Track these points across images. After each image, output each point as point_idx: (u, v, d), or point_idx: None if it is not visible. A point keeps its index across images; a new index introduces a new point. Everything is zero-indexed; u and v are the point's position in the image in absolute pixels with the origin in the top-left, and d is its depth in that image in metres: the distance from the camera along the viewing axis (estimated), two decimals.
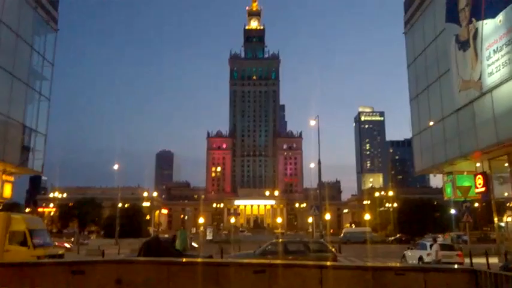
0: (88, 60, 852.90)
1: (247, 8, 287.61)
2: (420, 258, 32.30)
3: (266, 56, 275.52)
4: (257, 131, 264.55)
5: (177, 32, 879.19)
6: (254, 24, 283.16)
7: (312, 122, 53.76)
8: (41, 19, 43.61)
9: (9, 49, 37.50)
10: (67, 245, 57.30)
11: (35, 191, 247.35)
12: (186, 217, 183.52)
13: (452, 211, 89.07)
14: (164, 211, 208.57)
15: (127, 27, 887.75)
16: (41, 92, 44.23)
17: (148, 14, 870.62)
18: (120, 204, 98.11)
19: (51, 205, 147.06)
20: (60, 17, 48.52)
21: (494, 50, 29.00)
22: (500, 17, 28.26)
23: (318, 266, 12.32)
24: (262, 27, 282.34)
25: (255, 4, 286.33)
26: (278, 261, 15.91)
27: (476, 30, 31.34)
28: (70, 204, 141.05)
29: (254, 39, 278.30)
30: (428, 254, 30.92)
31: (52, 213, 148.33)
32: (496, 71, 28.75)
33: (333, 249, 28.82)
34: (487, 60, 29.83)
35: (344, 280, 11.43)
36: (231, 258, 30.43)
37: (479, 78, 30.98)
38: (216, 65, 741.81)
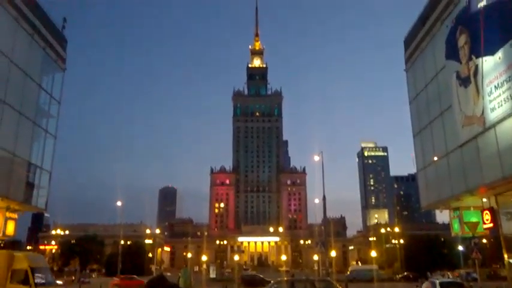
0: (92, 96, 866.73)
1: (250, 47, 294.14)
2: None
3: (269, 92, 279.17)
4: (260, 166, 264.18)
5: (180, 67, 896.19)
6: (257, 62, 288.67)
7: (316, 158, 53.81)
8: (50, 58, 44.67)
9: (18, 88, 38.20)
10: None
11: (37, 228, 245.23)
12: (189, 255, 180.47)
13: (460, 248, 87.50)
14: (167, 248, 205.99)
15: (130, 61, 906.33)
16: (47, 130, 44.67)
17: (148, 49, 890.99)
18: (122, 242, 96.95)
19: (53, 242, 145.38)
20: (70, 53, 49.77)
21: (495, 86, 29.33)
22: (499, 54, 28.76)
23: None
24: (264, 66, 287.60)
25: (257, 44, 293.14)
26: None
27: (477, 67, 31.82)
28: (72, 241, 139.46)
29: (257, 76, 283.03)
30: None
31: (53, 251, 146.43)
32: (498, 107, 28.98)
33: None
34: (489, 96, 30.12)
35: None
36: None
37: (482, 114, 31.17)
38: (219, 101, 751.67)
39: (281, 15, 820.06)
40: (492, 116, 29.82)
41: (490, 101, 29.94)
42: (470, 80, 32.96)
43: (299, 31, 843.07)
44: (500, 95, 28.75)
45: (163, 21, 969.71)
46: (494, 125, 29.82)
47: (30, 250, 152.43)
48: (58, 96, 46.84)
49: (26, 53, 39.53)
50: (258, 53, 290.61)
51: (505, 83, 28.17)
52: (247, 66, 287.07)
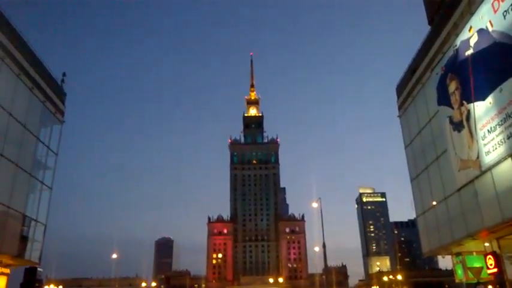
0: (88, 147, 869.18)
1: (246, 97, 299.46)
2: None
3: (265, 140, 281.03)
4: (258, 214, 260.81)
5: (176, 116, 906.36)
6: (253, 111, 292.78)
7: (314, 204, 53.44)
8: (48, 112, 45.27)
9: (16, 140, 38.44)
10: None
11: (30, 283, 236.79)
12: None
13: None
14: None
15: (125, 111, 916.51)
16: (43, 182, 44.47)
17: (144, 99, 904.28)
18: None
19: None
20: (68, 104, 50.48)
21: (488, 130, 29.78)
22: (489, 99, 29.43)
23: None
24: (260, 114, 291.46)
25: (253, 94, 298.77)
26: None
27: (469, 112, 32.46)
28: None
29: (253, 125, 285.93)
30: None
31: None
32: (493, 150, 29.28)
33: None
34: (483, 139, 30.51)
35: None
36: None
37: (477, 158, 31.43)
38: (215, 149, 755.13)
39: (276, 63, 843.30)
40: (487, 159, 30.06)
41: (485, 145, 30.29)
42: (463, 124, 33.51)
43: (294, 78, 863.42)
44: (493, 138, 29.13)
45: (160, 71, 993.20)
46: (490, 168, 29.98)
47: None
48: (55, 148, 47.06)
49: (25, 106, 40.13)
50: (254, 103, 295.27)
51: (497, 127, 28.62)
52: (244, 116, 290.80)
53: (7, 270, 38.95)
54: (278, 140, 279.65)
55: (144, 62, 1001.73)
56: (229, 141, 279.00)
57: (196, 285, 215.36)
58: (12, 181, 37.50)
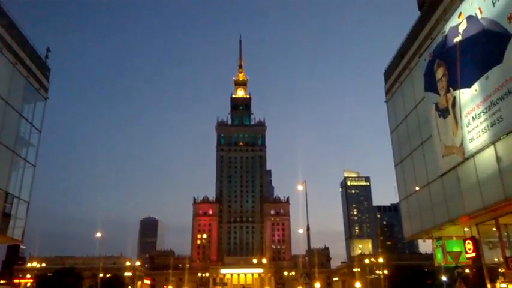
0: (72, 126, 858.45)
1: (233, 78, 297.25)
2: None
3: (252, 123, 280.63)
4: (244, 196, 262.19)
5: (162, 97, 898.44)
6: (240, 93, 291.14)
7: (299, 187, 53.79)
8: (32, 87, 44.25)
9: None
10: None
11: (12, 261, 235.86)
12: None
13: (444, 278, 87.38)
14: (147, 281, 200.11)
15: (112, 91, 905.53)
16: (26, 159, 43.78)
17: (132, 79, 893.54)
18: (101, 274, 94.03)
19: (28, 276, 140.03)
20: (53, 80, 49.44)
21: (473, 117, 30.12)
22: (475, 86, 29.68)
23: None
24: (248, 96, 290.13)
25: (241, 75, 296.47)
26: None
27: (455, 98, 32.73)
28: (48, 274, 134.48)
29: (240, 107, 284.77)
30: None
31: (28, 285, 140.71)
32: (477, 137, 29.67)
33: None
34: (467, 126, 30.87)
35: None
36: None
37: (461, 144, 31.84)
38: (202, 131, 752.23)
39: (265, 45, 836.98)
40: (471, 146, 30.48)
41: (469, 132, 30.66)
42: (448, 111, 33.81)
43: (283, 60, 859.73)
44: (478, 125, 29.48)
45: (148, 52, 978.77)
46: (473, 155, 30.43)
47: (3, 284, 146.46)
48: (39, 125, 46.19)
49: (8, 81, 39.14)
50: (242, 84, 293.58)
51: (482, 115, 28.94)
52: (231, 97, 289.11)
53: None
54: (265, 122, 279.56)
55: (128, 42, 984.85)
56: (217, 122, 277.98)
57: (180, 265, 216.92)
58: None
